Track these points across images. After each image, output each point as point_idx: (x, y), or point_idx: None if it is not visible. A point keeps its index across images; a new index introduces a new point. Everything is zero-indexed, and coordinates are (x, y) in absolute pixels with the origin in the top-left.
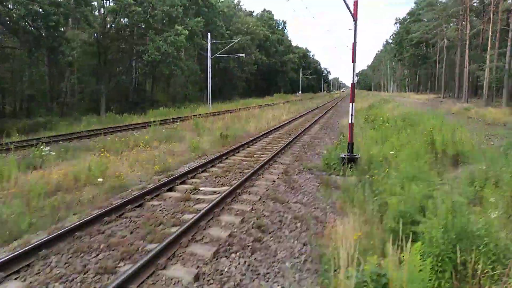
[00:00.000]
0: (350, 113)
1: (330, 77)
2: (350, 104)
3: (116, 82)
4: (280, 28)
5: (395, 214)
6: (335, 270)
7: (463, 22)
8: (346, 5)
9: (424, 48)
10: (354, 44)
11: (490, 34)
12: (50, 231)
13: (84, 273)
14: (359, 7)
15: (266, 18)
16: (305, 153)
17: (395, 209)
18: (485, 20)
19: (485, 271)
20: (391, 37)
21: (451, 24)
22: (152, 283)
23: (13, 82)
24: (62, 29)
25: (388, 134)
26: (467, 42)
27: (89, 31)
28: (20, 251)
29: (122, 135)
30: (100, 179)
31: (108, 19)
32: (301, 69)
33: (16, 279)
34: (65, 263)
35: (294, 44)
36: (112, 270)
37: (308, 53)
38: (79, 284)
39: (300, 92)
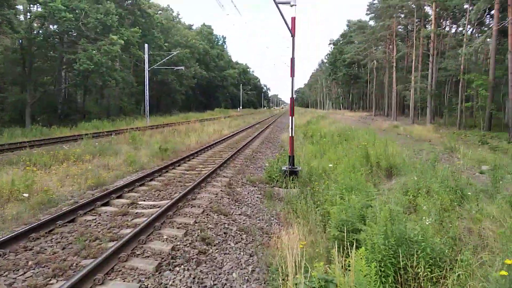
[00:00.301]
0: (290, 126)
1: (270, 93)
2: (290, 117)
3: (43, 92)
4: (220, 43)
5: (337, 223)
6: (283, 279)
7: (390, 46)
8: (284, 20)
9: (356, 68)
10: (293, 59)
11: (413, 57)
12: None
13: None
14: (296, 26)
15: (206, 32)
16: (247, 166)
17: (337, 218)
18: (409, 45)
19: (425, 274)
20: (326, 57)
21: (379, 47)
22: None
23: None
24: None
25: (326, 148)
26: (394, 64)
27: (13, 36)
28: None
29: (51, 149)
30: (25, 194)
31: (35, 24)
32: (241, 84)
33: None
34: None
35: (234, 59)
36: (43, 287)
37: (248, 69)
38: None
39: (240, 107)
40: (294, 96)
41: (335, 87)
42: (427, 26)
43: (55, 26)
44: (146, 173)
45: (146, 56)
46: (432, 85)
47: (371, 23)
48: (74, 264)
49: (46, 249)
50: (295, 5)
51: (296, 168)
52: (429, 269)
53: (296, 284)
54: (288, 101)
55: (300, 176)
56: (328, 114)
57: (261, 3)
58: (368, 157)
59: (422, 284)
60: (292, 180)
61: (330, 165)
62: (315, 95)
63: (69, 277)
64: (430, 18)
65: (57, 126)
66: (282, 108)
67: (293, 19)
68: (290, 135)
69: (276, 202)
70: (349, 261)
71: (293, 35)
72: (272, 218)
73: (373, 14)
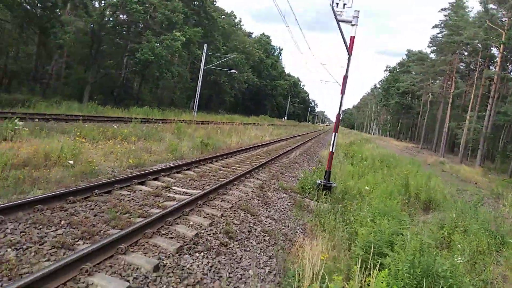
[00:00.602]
0: (332, 142)
1: (317, 109)
2: (333, 133)
3: (104, 74)
4: (275, 54)
5: (363, 244)
6: (298, 286)
7: (449, 81)
8: (343, 39)
9: (409, 98)
10: (345, 78)
11: (472, 97)
12: (10, 200)
13: (40, 244)
14: (354, 46)
15: (264, 42)
16: (282, 174)
17: (364, 239)
18: (469, 83)
19: None
20: (380, 83)
21: (437, 81)
22: (110, 265)
23: None
24: (59, 12)
25: (365, 171)
26: (450, 100)
27: (86, 20)
28: None
29: (101, 125)
30: (71, 162)
31: (107, 12)
32: (289, 96)
33: None
34: (21, 232)
35: (287, 71)
36: (70, 246)
37: (299, 83)
38: (33, 253)
39: (285, 118)
40: (341, 116)
41: (385, 113)
42: (491, 67)
43: (125, 16)
44: (184, 162)
45: (203, 55)
46: (488, 128)
47: (432, 56)
48: (102, 231)
49: (79, 213)
50: (356, 25)
51: (331, 184)
52: None
53: None
54: (333, 119)
55: (334, 193)
56: (373, 139)
57: (322, 20)
58: (407, 187)
59: None
60: (324, 194)
61: (367, 187)
62: (363, 118)
63: (95, 242)
64: (495, 60)
65: (110, 107)
66: (327, 125)
67: (352, 38)
68: (331, 150)
69: (305, 213)
70: (369, 280)
71: (349, 54)
72: (297, 227)
73: (434, 48)
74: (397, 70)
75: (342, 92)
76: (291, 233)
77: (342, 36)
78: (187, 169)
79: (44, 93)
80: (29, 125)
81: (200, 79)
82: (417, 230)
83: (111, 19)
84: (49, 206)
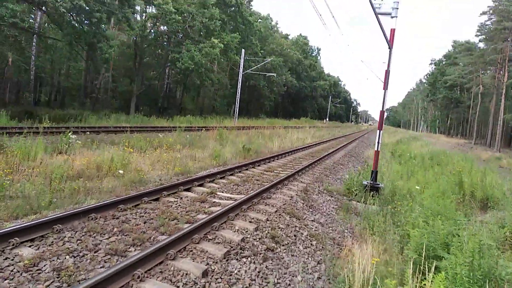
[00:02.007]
0: (377, 140)
1: (359, 108)
2: (378, 131)
3: (148, 86)
4: (313, 54)
5: (417, 246)
6: None
7: (501, 71)
8: (383, 32)
9: (458, 92)
10: (388, 72)
11: None
12: (66, 210)
13: (95, 252)
14: (394, 39)
15: (301, 43)
16: (326, 176)
17: (417, 241)
18: None
19: None
20: (425, 77)
21: (488, 71)
22: (160, 271)
23: (52, 73)
24: (104, 27)
25: (414, 170)
26: (504, 91)
27: (129, 33)
28: (37, 221)
29: (147, 135)
30: (121, 171)
31: (148, 24)
32: (330, 96)
33: (30, 246)
34: (78, 240)
35: (326, 71)
36: (122, 253)
37: (339, 82)
38: (89, 260)
39: (327, 119)
40: (386, 114)
41: (432, 109)
42: None
43: (165, 27)
44: (228, 167)
45: (241, 60)
46: None
47: (481, 45)
48: (152, 238)
49: (130, 220)
50: (396, 17)
51: (378, 184)
52: None
53: None
54: (377, 118)
55: (382, 194)
56: (421, 136)
57: (360, 15)
58: (461, 184)
59: None
60: (372, 196)
61: (417, 187)
62: (409, 115)
63: (145, 248)
64: None
65: (156, 117)
66: (371, 125)
67: (392, 31)
68: (376, 149)
69: (352, 215)
70: (425, 285)
71: (390, 47)
72: (345, 231)
73: (483, 36)
74: (443, 62)
75: (385, 88)
76: (339, 237)
77: (382, 29)
78: (230, 175)
79: (93, 107)
80: (82, 138)
81: (239, 84)
82: (475, 230)
83: (152, 30)
84: (102, 214)
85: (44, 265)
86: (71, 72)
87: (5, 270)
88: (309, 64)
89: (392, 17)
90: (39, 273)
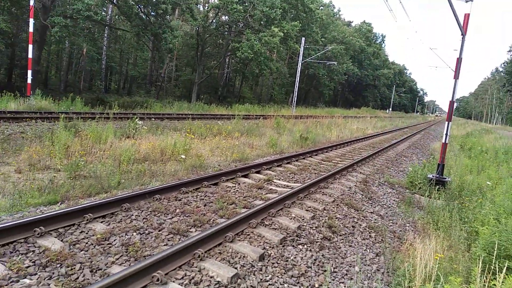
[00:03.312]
0: (445, 132)
1: (426, 98)
2: (446, 122)
3: (209, 75)
4: (378, 42)
5: (486, 244)
6: (409, 286)
7: None
8: (456, 17)
9: None
10: (459, 60)
11: None
12: (133, 190)
13: (159, 230)
14: (468, 25)
15: (365, 30)
16: (388, 168)
17: (487, 239)
18: None
19: None
20: (502, 66)
21: None
22: (219, 252)
23: (120, 63)
24: (168, 18)
25: (486, 165)
26: None
27: (192, 24)
28: (107, 199)
29: (207, 123)
30: (183, 156)
31: (210, 14)
32: (394, 86)
33: (102, 222)
34: (144, 218)
35: (390, 59)
36: (184, 233)
37: (405, 71)
38: (153, 238)
39: (390, 109)
40: (455, 105)
41: (509, 100)
42: None
43: (226, 17)
44: (284, 156)
45: (301, 49)
46: None
47: None
48: (211, 220)
49: (191, 202)
50: (471, 0)
51: (445, 178)
52: None
53: None
54: (446, 108)
55: (448, 188)
56: (495, 129)
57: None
58: None
59: None
60: (437, 190)
61: (489, 183)
62: (482, 106)
63: (206, 229)
64: None
65: (215, 105)
66: (437, 115)
67: (466, 16)
68: (444, 141)
69: (415, 209)
70: (494, 285)
71: (463, 34)
72: (407, 225)
73: None
74: None
75: (456, 77)
76: (400, 230)
77: (454, 14)
78: (287, 163)
79: (158, 95)
80: (147, 124)
81: (298, 73)
82: None
83: (213, 20)
84: (166, 196)
85: (114, 240)
86: (138, 62)
87: (81, 242)
88: (372, 52)
89: (466, 1)
90: (110, 247)
